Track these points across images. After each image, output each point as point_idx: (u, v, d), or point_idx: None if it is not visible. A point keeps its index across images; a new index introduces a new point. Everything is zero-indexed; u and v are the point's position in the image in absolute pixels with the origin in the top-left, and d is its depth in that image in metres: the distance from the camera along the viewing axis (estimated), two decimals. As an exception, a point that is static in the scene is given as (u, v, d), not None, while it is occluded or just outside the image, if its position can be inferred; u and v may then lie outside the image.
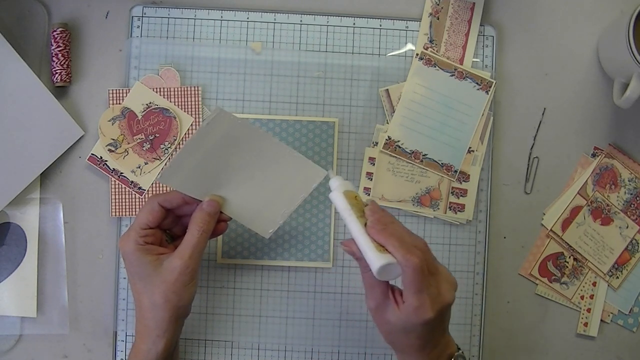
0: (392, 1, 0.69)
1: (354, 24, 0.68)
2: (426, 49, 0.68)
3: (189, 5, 0.68)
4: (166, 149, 0.66)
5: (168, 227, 0.59)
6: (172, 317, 0.56)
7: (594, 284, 0.69)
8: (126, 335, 0.66)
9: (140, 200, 0.66)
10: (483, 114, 0.68)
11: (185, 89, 0.67)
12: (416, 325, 0.51)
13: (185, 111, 0.67)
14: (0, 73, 0.65)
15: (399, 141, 0.67)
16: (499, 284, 0.69)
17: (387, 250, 0.51)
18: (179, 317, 0.57)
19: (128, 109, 0.66)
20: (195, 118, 0.67)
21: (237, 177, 0.58)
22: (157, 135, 0.66)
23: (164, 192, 0.64)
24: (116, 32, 0.68)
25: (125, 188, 0.66)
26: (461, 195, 0.67)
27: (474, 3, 0.68)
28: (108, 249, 0.67)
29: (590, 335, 0.69)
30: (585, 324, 0.69)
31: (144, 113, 0.66)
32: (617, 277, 0.69)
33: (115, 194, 0.66)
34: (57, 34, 0.65)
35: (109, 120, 0.66)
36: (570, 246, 0.69)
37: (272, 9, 0.68)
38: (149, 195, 0.66)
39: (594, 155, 0.69)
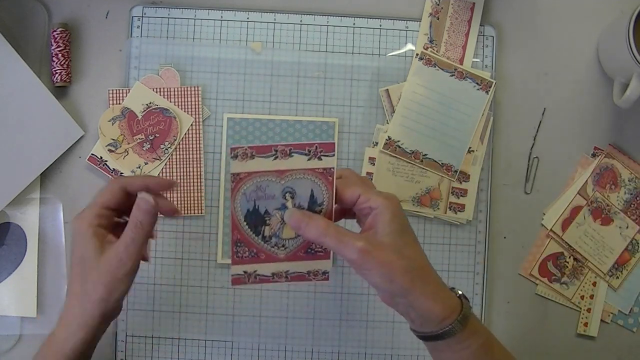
0: (392, 1, 0.69)
1: (354, 24, 0.68)
2: (426, 49, 0.68)
3: (189, 5, 0.68)
4: (166, 149, 0.66)
5: (125, 213, 0.57)
6: (98, 310, 0.53)
7: (594, 284, 0.69)
8: (126, 336, 0.67)
9: (140, 200, 0.66)
10: (483, 114, 0.68)
11: (185, 89, 0.67)
12: (398, 211, 0.50)
13: (185, 111, 0.67)
14: (0, 73, 0.65)
15: (399, 141, 0.67)
16: (499, 284, 0.69)
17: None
18: (104, 312, 0.53)
19: (128, 109, 0.66)
20: (195, 118, 0.67)
21: None
22: (157, 135, 0.66)
23: (128, 176, 0.62)
24: (116, 32, 0.68)
25: (125, 188, 0.66)
26: (461, 195, 0.67)
27: (474, 3, 0.68)
28: (108, 249, 0.67)
29: (590, 335, 0.69)
30: (586, 324, 0.69)
31: (144, 113, 0.66)
32: (617, 277, 0.69)
33: (115, 194, 0.66)
34: (57, 34, 0.65)
35: (109, 120, 0.66)
36: (570, 246, 0.69)
37: (272, 9, 0.68)
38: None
39: (594, 155, 0.69)
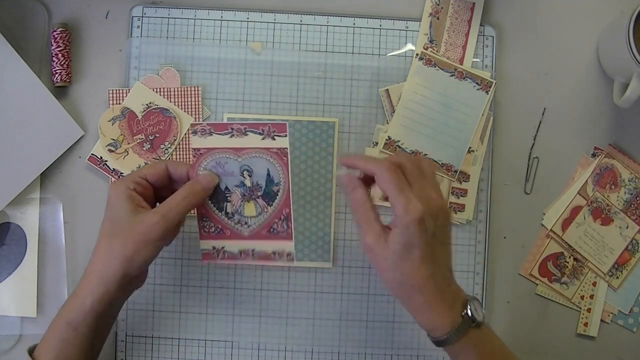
0: (392, 1, 0.69)
1: (354, 24, 0.68)
2: (426, 49, 0.68)
3: (189, 5, 0.68)
4: (166, 149, 0.66)
5: (161, 197, 0.58)
6: (120, 267, 0.53)
7: (594, 284, 0.69)
8: (126, 335, 0.67)
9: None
10: (483, 114, 0.68)
11: (185, 89, 0.67)
12: (411, 228, 0.50)
13: (185, 111, 0.67)
14: (0, 73, 0.65)
15: (399, 141, 0.67)
16: (499, 284, 0.69)
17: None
18: (126, 271, 0.54)
19: (128, 109, 0.66)
20: (195, 118, 0.67)
21: None
22: (157, 135, 0.66)
23: (175, 160, 0.64)
24: (116, 32, 0.68)
25: (125, 188, 0.66)
26: (461, 195, 0.67)
27: (474, 3, 0.68)
28: (108, 249, 0.67)
29: (590, 335, 0.69)
30: (586, 324, 0.69)
31: (144, 113, 0.66)
32: (617, 277, 0.69)
33: (115, 194, 0.66)
34: (57, 34, 0.66)
35: (109, 120, 0.66)
36: (570, 246, 0.69)
37: (272, 9, 0.68)
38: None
39: (594, 155, 0.69)
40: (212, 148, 0.59)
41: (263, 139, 0.58)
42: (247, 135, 0.58)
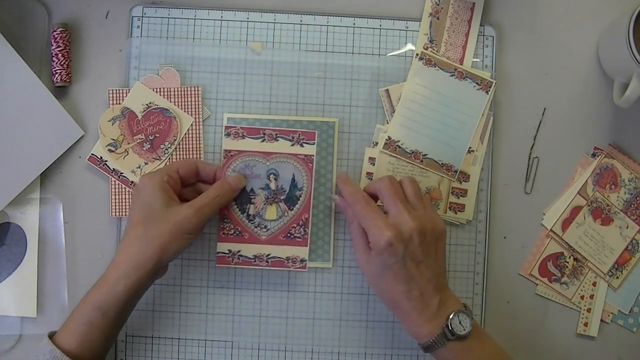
0: (392, 1, 0.69)
1: (354, 24, 0.68)
2: (426, 49, 0.68)
3: (189, 5, 0.68)
4: (166, 149, 0.66)
5: (187, 195, 0.61)
6: (157, 255, 0.56)
7: (594, 284, 0.69)
8: (126, 335, 0.67)
9: (140, 200, 0.66)
10: (483, 114, 0.68)
11: (185, 89, 0.67)
12: (383, 253, 0.56)
13: (185, 111, 0.67)
14: (0, 73, 0.65)
15: (399, 141, 0.67)
16: (499, 284, 0.69)
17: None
18: (160, 260, 0.56)
19: (128, 109, 0.66)
20: (195, 118, 0.67)
21: None
22: (157, 135, 0.66)
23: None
24: (116, 32, 0.68)
25: (125, 188, 0.66)
26: (461, 195, 0.67)
27: (474, 3, 0.68)
28: (108, 249, 0.67)
29: (590, 335, 0.69)
30: (585, 324, 0.69)
31: (144, 113, 0.66)
32: (617, 277, 0.69)
33: (115, 194, 0.66)
34: (57, 34, 0.65)
35: (109, 120, 0.66)
36: (570, 246, 0.69)
37: (272, 9, 0.68)
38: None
39: (594, 155, 0.69)
40: (242, 151, 0.62)
41: (292, 145, 0.62)
42: (277, 140, 0.62)
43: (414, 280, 0.56)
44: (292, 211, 0.63)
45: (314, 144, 0.62)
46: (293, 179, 0.63)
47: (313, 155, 0.62)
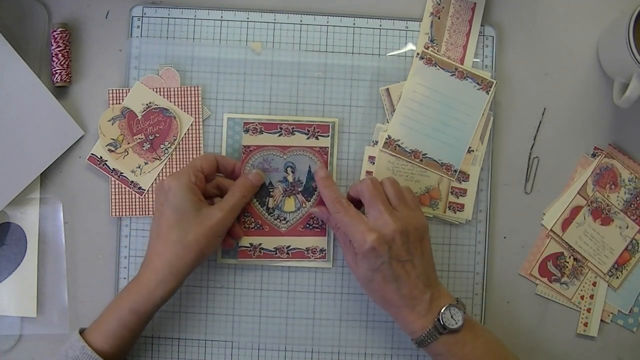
0: (392, 1, 0.69)
1: (354, 24, 0.68)
2: (427, 49, 0.68)
3: (189, 5, 0.68)
4: (166, 149, 0.66)
5: (208, 191, 0.62)
6: (194, 262, 0.57)
7: (594, 284, 0.69)
8: (126, 335, 0.67)
9: (140, 200, 0.66)
10: (483, 114, 0.68)
11: (185, 89, 0.67)
12: (368, 257, 0.57)
13: (185, 111, 0.67)
14: (0, 73, 0.65)
15: (399, 140, 0.67)
16: (499, 284, 0.69)
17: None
18: (197, 265, 0.58)
19: (128, 109, 0.66)
20: (195, 118, 0.67)
21: None
22: (157, 135, 0.66)
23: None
24: (116, 32, 0.68)
25: (125, 188, 0.66)
26: (461, 195, 0.67)
27: (475, 3, 0.68)
28: (108, 249, 0.67)
29: (590, 335, 0.69)
30: (585, 324, 0.69)
31: (144, 113, 0.66)
32: (617, 277, 0.69)
33: (115, 194, 0.66)
34: (57, 34, 0.65)
35: (109, 120, 0.66)
36: (570, 246, 0.69)
37: (272, 9, 0.68)
38: (149, 196, 0.66)
39: (594, 155, 0.69)
40: (261, 146, 0.64)
41: (308, 138, 0.64)
42: (294, 134, 0.64)
43: (401, 279, 0.57)
44: (310, 202, 0.65)
45: (328, 136, 0.65)
46: (309, 171, 0.65)
47: (328, 147, 0.65)
